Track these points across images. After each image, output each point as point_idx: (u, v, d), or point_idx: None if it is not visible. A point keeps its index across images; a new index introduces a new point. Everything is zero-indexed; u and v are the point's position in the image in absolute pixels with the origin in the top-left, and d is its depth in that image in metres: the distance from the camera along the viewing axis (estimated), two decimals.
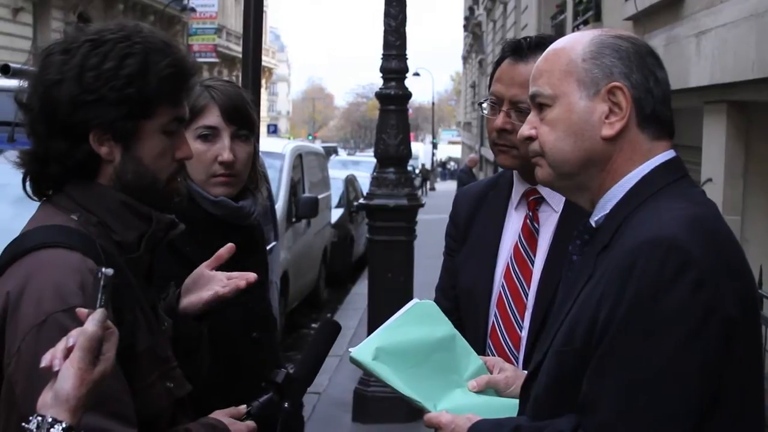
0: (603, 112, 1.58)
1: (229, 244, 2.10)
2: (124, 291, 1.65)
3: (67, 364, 1.31)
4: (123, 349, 1.61)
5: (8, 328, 1.55)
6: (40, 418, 1.29)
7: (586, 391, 1.47)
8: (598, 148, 1.59)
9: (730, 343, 1.43)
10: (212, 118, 2.34)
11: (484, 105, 2.38)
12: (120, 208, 1.71)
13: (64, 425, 1.28)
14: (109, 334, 1.37)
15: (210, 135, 2.34)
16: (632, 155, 1.59)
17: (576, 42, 1.63)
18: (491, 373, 2.03)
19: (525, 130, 1.68)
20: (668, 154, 1.61)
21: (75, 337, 1.33)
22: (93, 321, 1.34)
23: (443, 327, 2.03)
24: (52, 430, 1.27)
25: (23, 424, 1.29)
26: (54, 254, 1.60)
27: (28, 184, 1.75)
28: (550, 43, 2.37)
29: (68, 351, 1.32)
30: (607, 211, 1.60)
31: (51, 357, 1.32)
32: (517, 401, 1.86)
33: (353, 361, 1.90)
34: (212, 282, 2.03)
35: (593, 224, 1.64)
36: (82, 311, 1.39)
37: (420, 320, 2.00)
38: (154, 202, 1.76)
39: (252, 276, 2.01)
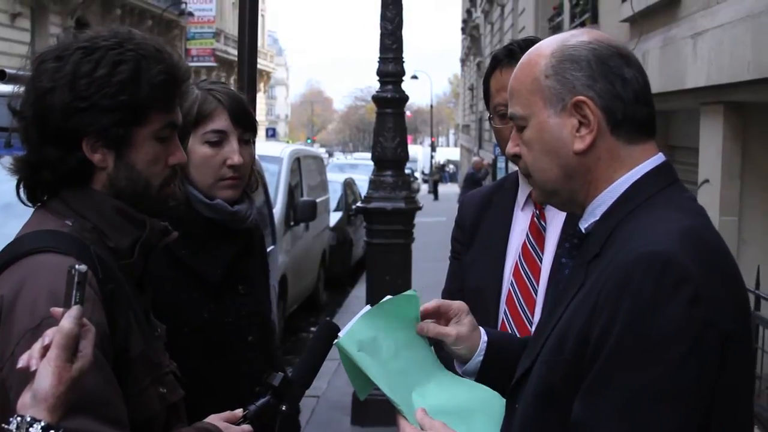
0: (573, 126, 1.56)
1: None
2: (117, 297, 1.64)
3: (44, 363, 1.30)
4: (116, 354, 1.60)
5: (2, 331, 1.55)
6: (19, 419, 1.27)
7: (579, 412, 1.43)
8: (574, 162, 1.57)
9: (724, 353, 1.41)
10: (221, 122, 2.33)
11: (493, 117, 2.41)
12: (114, 215, 1.71)
13: (43, 424, 1.27)
14: (85, 331, 1.36)
15: (219, 139, 2.33)
16: (612, 162, 1.56)
17: (539, 56, 1.61)
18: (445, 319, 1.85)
19: (510, 147, 1.68)
20: (657, 159, 1.58)
21: (51, 335, 1.32)
22: (69, 318, 1.33)
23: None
24: (31, 429, 1.26)
25: (3, 425, 1.28)
26: (49, 259, 1.60)
27: (21, 190, 1.74)
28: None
29: (45, 350, 1.31)
30: (597, 218, 1.58)
31: (28, 357, 1.31)
32: (486, 394, 1.79)
33: (339, 347, 1.75)
34: None
35: (583, 230, 1.62)
36: (56, 310, 1.37)
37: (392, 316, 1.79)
38: (148, 208, 1.76)
39: None
